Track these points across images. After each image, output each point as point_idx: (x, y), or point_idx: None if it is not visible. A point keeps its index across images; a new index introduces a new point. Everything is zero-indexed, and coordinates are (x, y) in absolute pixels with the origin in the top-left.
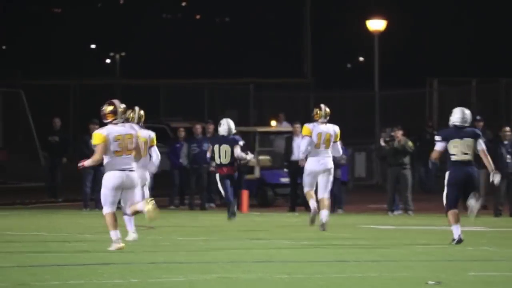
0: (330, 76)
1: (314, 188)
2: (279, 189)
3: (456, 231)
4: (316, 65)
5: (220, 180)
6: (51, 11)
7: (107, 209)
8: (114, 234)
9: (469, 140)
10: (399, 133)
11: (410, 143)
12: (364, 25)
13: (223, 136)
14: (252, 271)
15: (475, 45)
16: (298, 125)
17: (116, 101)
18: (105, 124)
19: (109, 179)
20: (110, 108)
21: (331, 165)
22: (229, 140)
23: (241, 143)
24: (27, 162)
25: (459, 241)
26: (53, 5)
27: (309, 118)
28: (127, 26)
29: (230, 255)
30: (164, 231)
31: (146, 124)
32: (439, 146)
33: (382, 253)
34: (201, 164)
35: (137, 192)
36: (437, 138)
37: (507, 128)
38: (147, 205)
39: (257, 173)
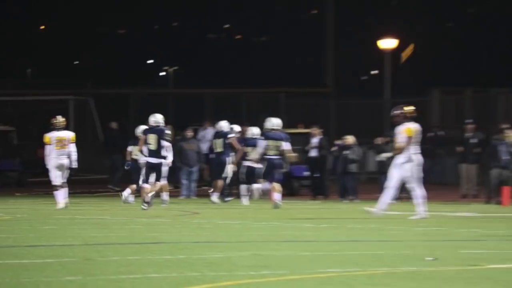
0: (349, 87)
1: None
2: (304, 181)
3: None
4: (337, 77)
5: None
6: (116, 32)
7: None
8: None
9: None
10: None
11: None
12: (376, 44)
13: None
14: (280, 249)
15: (470, 59)
16: (315, 128)
17: None
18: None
19: None
20: None
21: None
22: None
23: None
24: (93, 158)
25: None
26: (119, 26)
27: (329, 123)
28: (179, 44)
29: (262, 235)
30: (207, 216)
31: (193, 126)
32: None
33: (389, 234)
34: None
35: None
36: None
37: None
38: None
39: (286, 167)
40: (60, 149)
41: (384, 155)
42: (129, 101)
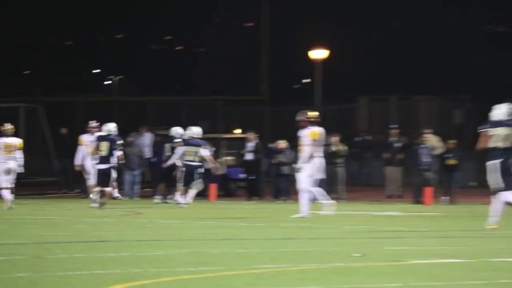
0: (282, 94)
1: None
2: (240, 183)
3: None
4: (271, 85)
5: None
6: (64, 43)
7: None
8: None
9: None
10: (334, 139)
11: (342, 147)
12: (307, 54)
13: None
14: (218, 247)
15: (395, 69)
16: (251, 133)
17: None
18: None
19: None
20: None
21: None
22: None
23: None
24: (43, 161)
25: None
26: (67, 39)
27: (265, 127)
28: (124, 55)
29: (200, 234)
30: (149, 215)
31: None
32: None
33: (319, 232)
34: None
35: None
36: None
37: (428, 135)
38: None
39: (223, 169)
40: (8, 154)
41: (298, 166)
42: (77, 108)
